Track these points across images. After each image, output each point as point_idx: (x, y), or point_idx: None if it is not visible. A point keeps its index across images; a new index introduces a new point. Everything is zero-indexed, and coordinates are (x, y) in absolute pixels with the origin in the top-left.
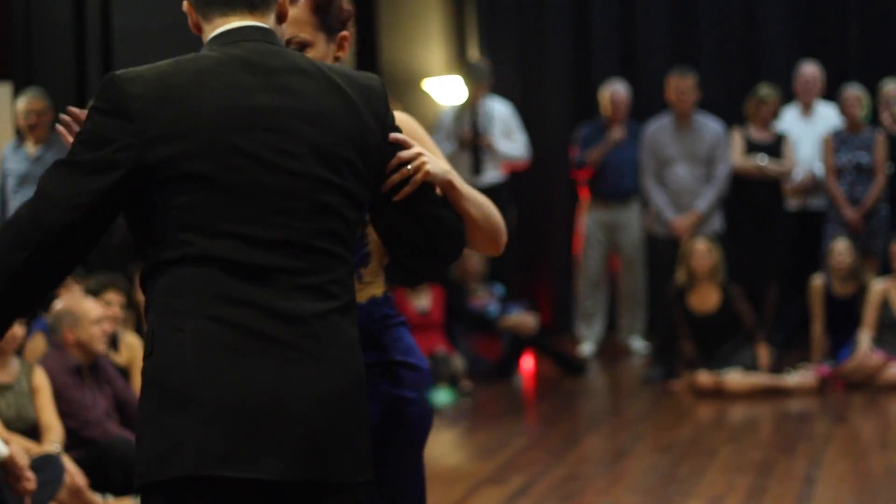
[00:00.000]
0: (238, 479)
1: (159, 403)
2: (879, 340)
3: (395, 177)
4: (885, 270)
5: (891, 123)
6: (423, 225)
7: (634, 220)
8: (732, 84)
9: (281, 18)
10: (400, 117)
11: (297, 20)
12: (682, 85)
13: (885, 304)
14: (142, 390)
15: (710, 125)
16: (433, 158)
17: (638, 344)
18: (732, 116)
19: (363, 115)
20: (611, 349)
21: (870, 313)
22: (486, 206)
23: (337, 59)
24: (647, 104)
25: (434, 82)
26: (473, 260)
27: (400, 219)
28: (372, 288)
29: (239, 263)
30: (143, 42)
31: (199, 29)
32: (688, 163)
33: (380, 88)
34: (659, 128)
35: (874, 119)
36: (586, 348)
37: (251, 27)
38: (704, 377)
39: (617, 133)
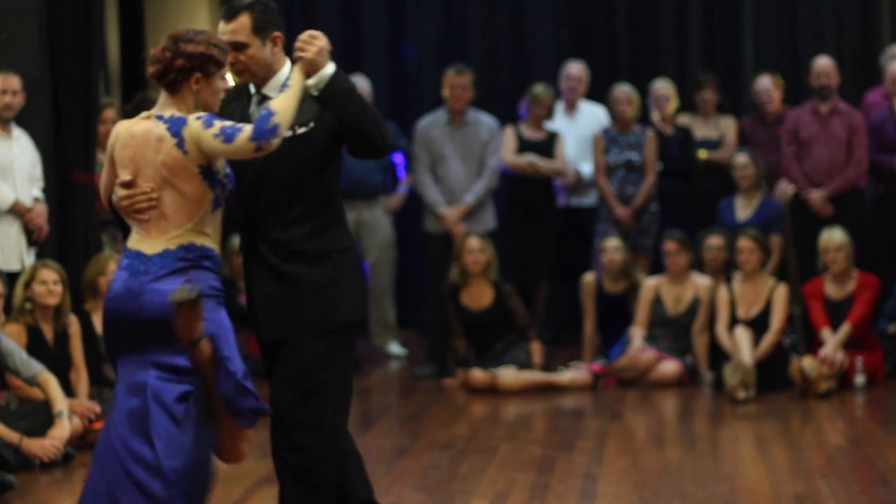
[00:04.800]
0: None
1: None
2: (651, 338)
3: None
4: (655, 268)
5: (660, 122)
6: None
7: (381, 220)
8: (503, 83)
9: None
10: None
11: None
12: (457, 82)
13: (656, 302)
14: None
15: (484, 121)
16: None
17: (396, 349)
18: (504, 116)
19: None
20: (368, 350)
21: (641, 310)
22: None
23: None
24: (418, 100)
25: None
26: None
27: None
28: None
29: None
30: None
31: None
32: (462, 159)
33: None
34: (432, 123)
35: (644, 118)
36: None
37: None
38: (478, 374)
39: None
